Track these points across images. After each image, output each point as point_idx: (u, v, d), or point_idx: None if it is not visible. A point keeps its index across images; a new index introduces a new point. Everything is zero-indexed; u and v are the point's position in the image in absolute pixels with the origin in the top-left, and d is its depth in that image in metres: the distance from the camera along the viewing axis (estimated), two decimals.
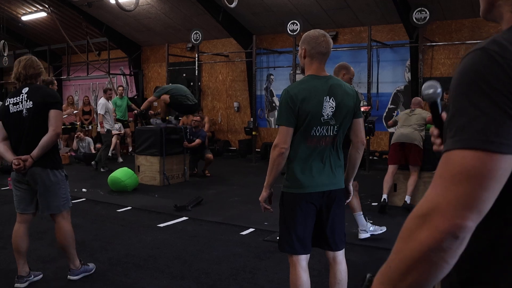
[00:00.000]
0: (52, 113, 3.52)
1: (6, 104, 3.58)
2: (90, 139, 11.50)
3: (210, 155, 9.05)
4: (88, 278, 3.84)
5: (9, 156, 3.52)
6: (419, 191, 6.19)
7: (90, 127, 12.58)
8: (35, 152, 3.46)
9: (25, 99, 3.53)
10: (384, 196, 6.05)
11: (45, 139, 3.48)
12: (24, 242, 3.67)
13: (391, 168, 6.23)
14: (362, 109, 4.97)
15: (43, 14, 14.20)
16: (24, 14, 14.62)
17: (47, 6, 12.91)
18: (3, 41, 14.07)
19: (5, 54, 14.96)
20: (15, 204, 3.70)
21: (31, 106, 3.50)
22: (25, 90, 3.57)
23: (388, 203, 6.08)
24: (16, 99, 3.55)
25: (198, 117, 9.42)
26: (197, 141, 8.79)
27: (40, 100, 3.51)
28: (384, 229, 4.85)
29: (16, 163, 3.43)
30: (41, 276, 3.82)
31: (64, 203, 3.67)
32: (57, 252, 4.37)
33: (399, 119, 6.51)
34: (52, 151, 3.59)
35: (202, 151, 9.08)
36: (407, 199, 6.14)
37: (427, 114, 6.13)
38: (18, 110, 3.53)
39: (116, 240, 4.95)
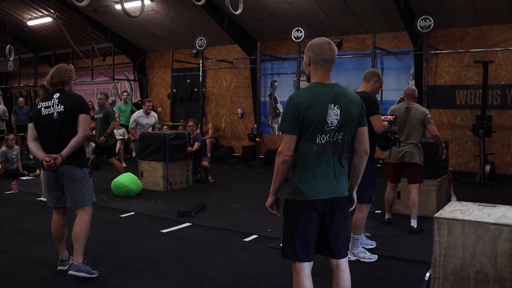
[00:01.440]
0: (82, 117, 3.86)
1: (38, 107, 3.91)
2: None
3: (205, 163, 9.10)
4: (90, 283, 3.83)
5: (40, 154, 3.85)
6: (423, 200, 6.07)
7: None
8: (65, 151, 3.78)
9: (56, 103, 3.85)
10: (388, 215, 5.84)
11: (74, 140, 3.81)
12: (62, 232, 4.09)
13: (390, 186, 5.81)
14: (388, 118, 4.79)
15: (48, 19, 14.30)
16: (30, 19, 14.73)
17: (52, 11, 13.00)
18: (9, 45, 14.15)
19: (11, 59, 15.04)
20: (48, 200, 4.10)
21: (62, 110, 3.82)
22: (56, 95, 3.89)
23: (391, 219, 5.86)
24: (48, 103, 3.87)
25: (191, 123, 9.54)
26: (197, 143, 8.88)
27: (70, 105, 3.84)
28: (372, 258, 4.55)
29: (47, 160, 3.75)
30: (71, 261, 4.00)
31: (88, 198, 3.99)
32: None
33: (397, 121, 5.21)
34: (79, 151, 3.92)
35: (201, 157, 9.16)
36: (413, 223, 5.44)
37: (425, 112, 5.53)
38: (49, 113, 3.84)
39: (119, 245, 4.95)
